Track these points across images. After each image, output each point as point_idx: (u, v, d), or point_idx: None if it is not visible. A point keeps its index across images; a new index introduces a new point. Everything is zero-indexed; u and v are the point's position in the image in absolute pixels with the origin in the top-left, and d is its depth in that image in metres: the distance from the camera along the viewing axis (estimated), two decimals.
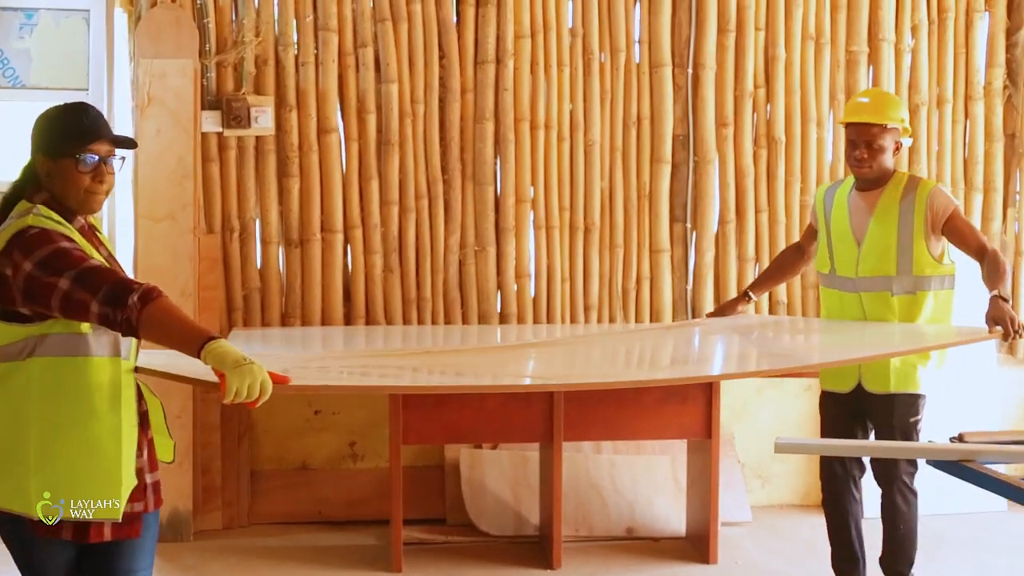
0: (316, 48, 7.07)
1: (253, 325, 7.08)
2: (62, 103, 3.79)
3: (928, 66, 7.56)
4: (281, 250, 7.13)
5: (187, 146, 6.77)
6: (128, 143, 3.75)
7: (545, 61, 7.23)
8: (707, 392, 6.34)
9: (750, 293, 6.27)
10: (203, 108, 6.95)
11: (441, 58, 7.16)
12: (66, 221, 3.69)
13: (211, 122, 6.97)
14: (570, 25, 7.28)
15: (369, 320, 7.15)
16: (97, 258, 3.63)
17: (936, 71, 7.58)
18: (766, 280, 6.36)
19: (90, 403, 3.62)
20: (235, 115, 6.96)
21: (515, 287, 7.26)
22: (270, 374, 3.43)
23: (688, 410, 6.34)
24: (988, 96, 7.62)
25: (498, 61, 7.17)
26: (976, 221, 7.55)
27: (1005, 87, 7.62)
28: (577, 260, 7.31)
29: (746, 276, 7.40)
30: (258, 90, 7.04)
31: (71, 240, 3.61)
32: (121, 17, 7.10)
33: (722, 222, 7.40)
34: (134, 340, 3.71)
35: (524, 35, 7.18)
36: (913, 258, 5.54)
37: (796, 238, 7.42)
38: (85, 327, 3.60)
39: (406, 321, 7.18)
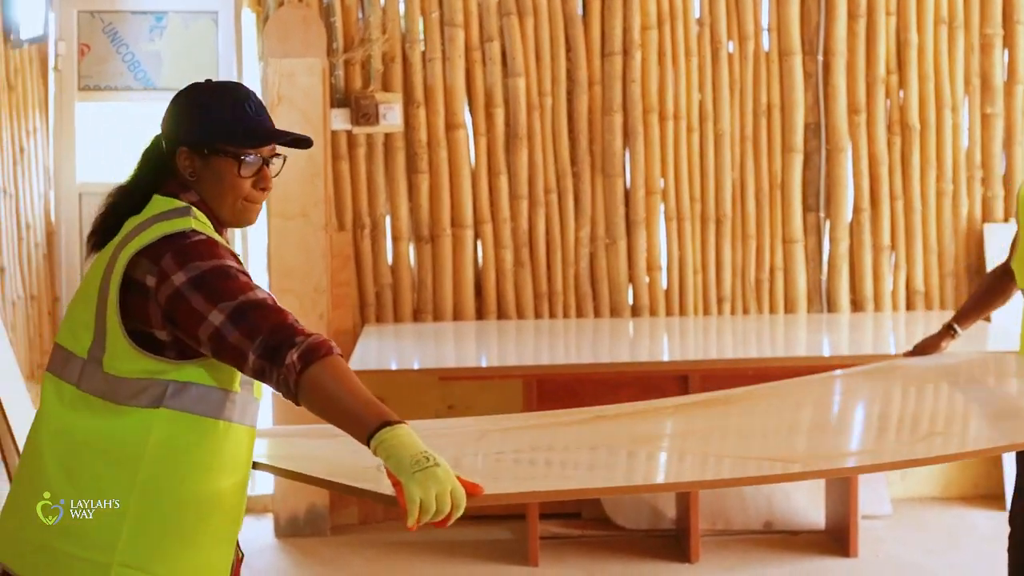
0: (443, 44, 7.06)
1: (385, 321, 7.10)
2: (211, 81, 3.05)
3: None
4: (412, 246, 7.14)
5: (317, 144, 6.79)
6: (304, 142, 3.03)
7: (673, 51, 7.17)
8: None
9: (955, 327, 5.05)
10: (332, 106, 6.98)
11: (568, 51, 7.13)
12: (218, 230, 2.98)
13: (340, 120, 7.00)
14: (697, 15, 7.20)
15: (501, 315, 7.14)
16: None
17: None
18: (972, 310, 5.18)
19: (217, 486, 2.90)
20: (363, 112, 6.98)
21: (647, 280, 7.21)
22: (459, 480, 2.59)
23: None
24: None
25: (625, 52, 7.12)
26: None
27: None
28: (709, 251, 7.24)
29: (882, 266, 7.28)
30: (386, 87, 7.05)
31: (238, 260, 2.87)
32: (249, 17, 7.15)
33: (856, 211, 7.29)
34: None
35: (651, 26, 7.13)
36: None
37: (932, 227, 7.31)
38: (238, 383, 2.90)
39: (537, 315, 7.16)
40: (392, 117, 7.01)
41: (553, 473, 3.48)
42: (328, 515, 6.77)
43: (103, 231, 2.97)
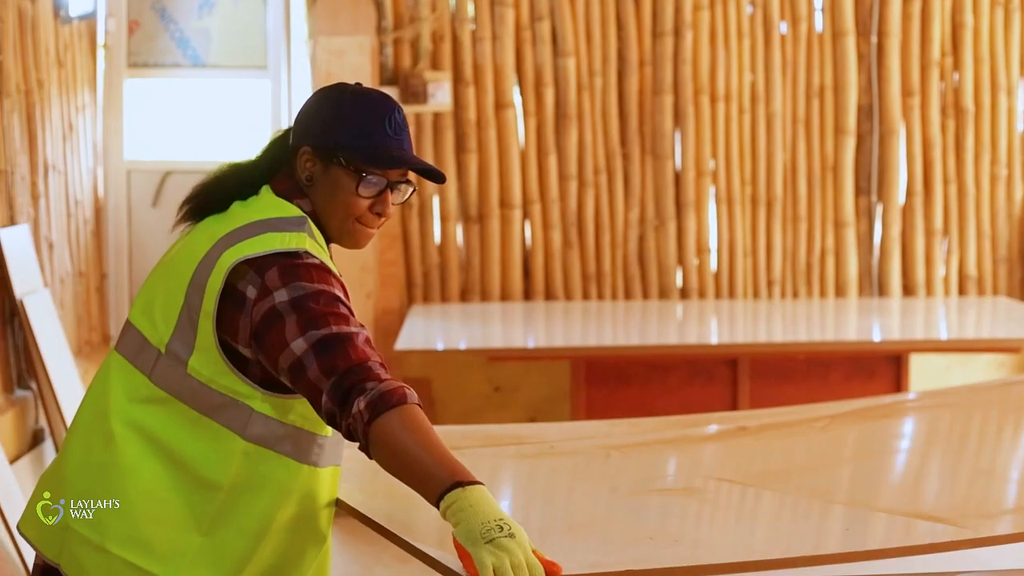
0: (492, 22, 7.02)
1: (432, 301, 7.07)
2: (360, 85, 2.75)
3: None
4: (460, 226, 7.10)
5: None
6: (435, 175, 2.71)
7: (725, 32, 7.10)
8: (896, 367, 6.20)
9: None
10: (381, 85, 6.93)
11: (618, 30, 7.07)
12: (326, 245, 2.71)
13: None
14: None
15: (548, 296, 7.10)
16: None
17: None
18: None
19: (297, 520, 2.68)
20: (413, 91, 6.94)
21: (696, 262, 7.15)
22: (536, 555, 2.27)
23: (876, 387, 6.19)
24: None
25: (676, 33, 7.06)
26: None
27: None
28: (759, 234, 7.18)
29: (934, 250, 7.20)
30: (435, 66, 7.01)
31: (345, 290, 2.60)
32: None
33: (909, 194, 7.21)
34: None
35: (703, 6, 7.06)
36: None
37: (986, 211, 7.22)
38: (329, 428, 2.62)
39: (585, 297, 7.11)
40: (441, 96, 6.96)
41: (669, 536, 2.71)
42: None
43: (201, 202, 2.71)
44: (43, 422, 5.78)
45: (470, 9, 7.02)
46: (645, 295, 7.14)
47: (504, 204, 7.06)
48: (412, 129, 6.91)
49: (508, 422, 7.12)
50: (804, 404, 4.13)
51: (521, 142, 7.09)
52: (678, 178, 7.13)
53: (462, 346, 6.56)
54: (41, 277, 5.88)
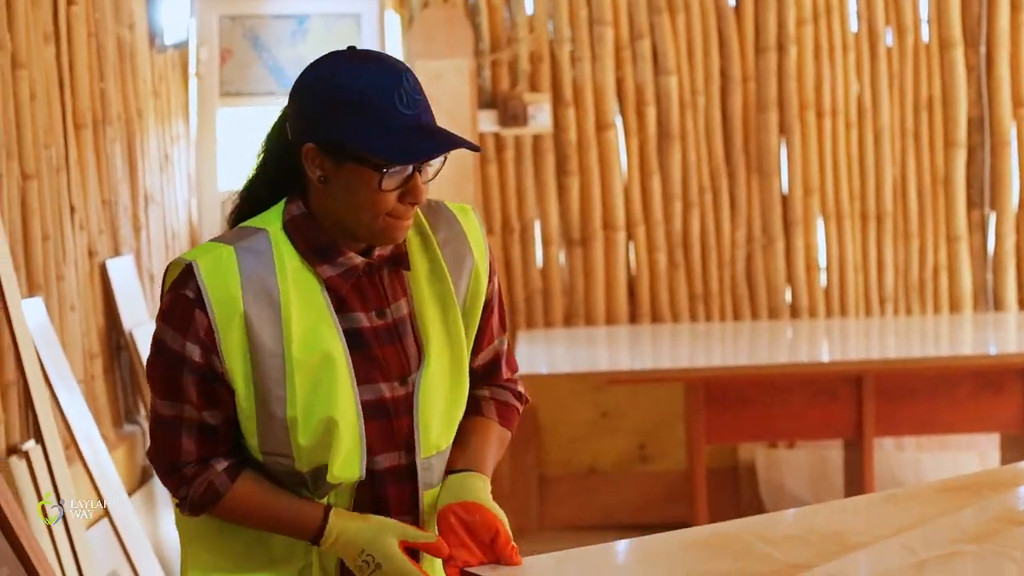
0: (591, 42, 6.88)
1: (536, 327, 6.93)
2: (355, 51, 2.41)
3: None
4: (562, 250, 6.96)
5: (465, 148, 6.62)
6: (468, 145, 2.38)
7: (829, 45, 6.94)
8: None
9: None
10: (479, 108, 6.81)
11: (720, 47, 6.92)
12: (325, 255, 2.39)
13: (488, 122, 6.83)
14: (854, 6, 6.97)
15: (655, 318, 6.94)
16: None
17: None
18: None
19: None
20: (512, 114, 6.81)
21: (805, 280, 6.98)
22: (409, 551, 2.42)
23: (1004, 401, 5.99)
24: None
25: (780, 47, 6.90)
26: None
27: None
28: (870, 250, 6.99)
29: None
30: (534, 87, 6.88)
31: (211, 332, 2.33)
32: (393, 19, 7.01)
33: (1022, 206, 7.01)
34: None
35: (806, 20, 6.90)
36: None
37: None
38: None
39: (693, 318, 6.95)
40: (541, 118, 6.83)
41: None
42: None
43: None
44: None
45: (568, 29, 6.88)
46: (754, 315, 6.97)
47: (607, 226, 6.91)
48: (511, 152, 6.80)
49: (616, 448, 6.96)
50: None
51: (623, 163, 6.94)
52: (785, 196, 6.96)
53: (568, 371, 6.40)
54: (146, 308, 5.78)
